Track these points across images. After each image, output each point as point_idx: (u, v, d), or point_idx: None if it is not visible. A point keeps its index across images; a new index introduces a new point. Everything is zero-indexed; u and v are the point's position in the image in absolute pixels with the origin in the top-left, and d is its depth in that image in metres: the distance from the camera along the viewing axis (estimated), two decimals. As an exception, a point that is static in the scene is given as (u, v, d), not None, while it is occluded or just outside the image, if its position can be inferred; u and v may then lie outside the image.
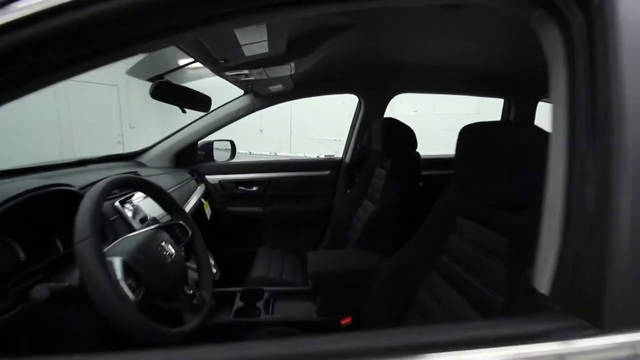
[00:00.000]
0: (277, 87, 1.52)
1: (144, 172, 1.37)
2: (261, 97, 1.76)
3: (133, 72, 1.03)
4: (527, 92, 2.05)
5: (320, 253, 1.33)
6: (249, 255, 1.75)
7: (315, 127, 7.23)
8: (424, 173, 1.50)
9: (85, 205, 0.59)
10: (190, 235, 0.89)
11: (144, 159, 1.80)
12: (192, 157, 1.95)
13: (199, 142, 1.99)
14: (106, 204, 0.96)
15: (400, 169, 1.44)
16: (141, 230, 0.77)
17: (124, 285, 0.58)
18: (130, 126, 6.62)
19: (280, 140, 7.69)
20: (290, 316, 1.15)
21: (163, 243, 0.75)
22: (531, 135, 0.66)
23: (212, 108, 1.55)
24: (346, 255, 1.31)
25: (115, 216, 0.96)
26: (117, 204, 0.99)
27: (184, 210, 0.92)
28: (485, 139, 0.75)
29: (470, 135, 0.81)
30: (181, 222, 0.89)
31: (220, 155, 2.14)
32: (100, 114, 5.92)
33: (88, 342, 0.64)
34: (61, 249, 0.84)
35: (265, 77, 1.15)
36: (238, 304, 1.21)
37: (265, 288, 1.32)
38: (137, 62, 0.95)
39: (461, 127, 0.82)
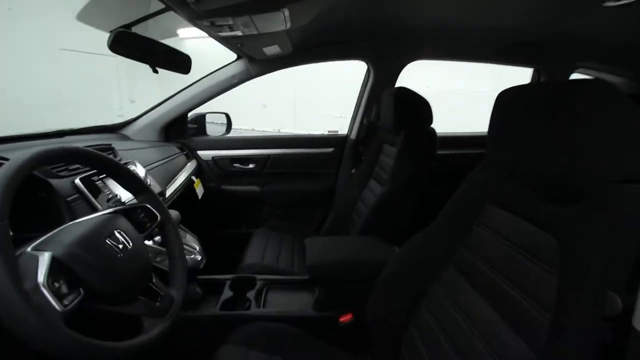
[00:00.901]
0: (273, 50, 1.32)
1: (121, 146, 1.21)
2: (257, 62, 1.55)
3: (92, 22, 0.84)
4: (561, 61, 1.80)
5: (321, 240, 1.18)
6: (244, 238, 1.61)
7: (322, 103, 6.94)
8: (439, 152, 1.32)
9: None
10: (159, 221, 0.74)
11: (128, 131, 1.64)
12: (182, 130, 1.78)
13: (190, 114, 1.82)
14: (63, 181, 0.81)
15: (413, 147, 1.26)
16: (91, 216, 0.62)
17: (45, 291, 0.43)
18: (131, 100, 6.41)
19: (285, 117, 7.43)
20: (283, 310, 1.02)
21: (116, 232, 0.60)
22: (607, 97, 0.48)
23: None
24: (350, 243, 1.16)
25: (75, 196, 0.81)
26: (77, 181, 0.83)
27: (151, 190, 0.76)
28: (534, 105, 0.57)
29: (512, 101, 0.63)
30: (147, 205, 0.74)
31: (214, 129, 1.97)
32: (98, 87, 5.71)
33: None
34: (11, 233, 0.70)
35: (255, 32, 0.96)
36: (227, 293, 1.09)
37: (258, 276, 1.18)
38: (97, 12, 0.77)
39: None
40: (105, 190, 0.90)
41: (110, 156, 1.08)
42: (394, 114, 1.28)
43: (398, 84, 1.70)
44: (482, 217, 0.70)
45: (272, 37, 1.13)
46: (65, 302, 0.45)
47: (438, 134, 1.30)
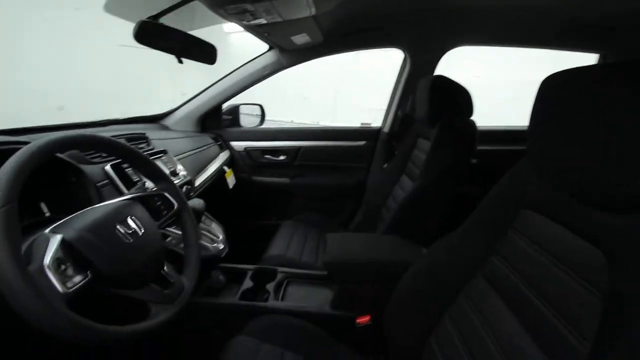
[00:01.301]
0: (302, 39, 1.28)
1: (155, 135, 1.27)
2: (288, 52, 1.53)
3: (120, 13, 0.87)
4: (634, 46, 1.54)
5: (342, 236, 1.14)
6: (272, 229, 1.62)
7: (364, 94, 6.78)
8: (479, 148, 1.20)
9: (4, 168, 0.46)
10: (176, 210, 0.75)
11: (168, 121, 1.72)
12: (217, 121, 1.83)
13: (225, 106, 1.86)
14: (95, 167, 0.86)
15: (447, 141, 1.15)
16: (108, 202, 0.64)
17: (49, 272, 0.45)
18: (182, 93, 6.80)
19: (325, 109, 7.40)
20: (300, 305, 1.00)
21: (129, 218, 0.61)
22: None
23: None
24: (373, 242, 1.10)
25: (105, 181, 0.86)
26: (107, 167, 0.88)
27: (169, 179, 0.77)
28: (590, 92, 0.47)
29: (561, 87, 0.53)
30: (165, 193, 0.75)
31: (248, 120, 2.00)
32: (154, 80, 6.11)
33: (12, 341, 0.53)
34: (47, 214, 0.76)
35: (279, 19, 0.93)
36: (247, 283, 1.09)
37: (280, 269, 1.18)
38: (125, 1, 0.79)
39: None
40: (134, 177, 0.94)
41: (143, 144, 1.14)
42: (428, 104, 1.18)
43: (440, 74, 1.57)
44: (517, 222, 0.61)
45: (300, 25, 1.09)
46: (69, 284, 0.47)
47: (480, 128, 1.18)
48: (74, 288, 0.47)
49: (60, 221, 0.55)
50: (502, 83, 5.37)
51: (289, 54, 1.54)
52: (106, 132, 1.08)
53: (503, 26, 1.42)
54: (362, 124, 1.87)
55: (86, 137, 0.59)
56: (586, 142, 0.46)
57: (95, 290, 0.53)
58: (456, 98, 1.18)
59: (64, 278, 0.46)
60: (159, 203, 0.73)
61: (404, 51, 1.59)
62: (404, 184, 1.44)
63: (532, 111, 0.56)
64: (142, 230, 0.62)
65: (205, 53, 1.02)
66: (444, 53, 1.54)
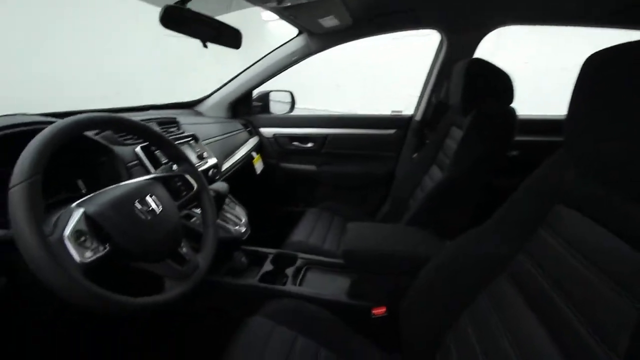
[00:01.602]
0: (330, 22, 1.25)
1: (186, 120, 1.31)
2: (316, 37, 1.50)
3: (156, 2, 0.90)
4: None
5: (363, 226, 1.12)
6: (296, 215, 1.63)
7: (400, 82, 6.53)
8: (520, 138, 1.09)
9: (31, 144, 0.49)
10: (195, 191, 0.78)
11: (202, 107, 1.78)
12: (247, 107, 1.86)
13: (256, 92, 1.88)
14: (126, 148, 0.91)
15: (481, 129, 1.07)
16: (131, 181, 0.67)
17: (68, 243, 0.48)
18: (220, 80, 7.03)
19: (359, 97, 7.25)
20: (316, 292, 0.99)
21: (148, 197, 0.64)
22: None
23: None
24: (394, 233, 1.06)
25: (135, 162, 0.91)
26: (137, 149, 0.92)
27: (189, 161, 0.80)
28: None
29: (606, 67, 0.45)
30: (186, 174, 0.78)
31: (278, 107, 2.01)
32: (195, 68, 6.36)
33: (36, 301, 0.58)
34: (83, 190, 0.82)
35: (303, 0, 0.90)
36: (267, 267, 1.11)
37: (300, 254, 1.18)
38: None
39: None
40: (163, 159, 0.99)
41: (174, 128, 1.19)
42: (463, 89, 1.10)
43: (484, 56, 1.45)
44: (549, 219, 0.55)
45: (327, 7, 1.06)
46: (87, 254, 0.50)
47: (521, 117, 1.08)
48: (91, 259, 0.50)
49: (87, 197, 0.59)
50: (557, 69, 4.86)
51: (318, 39, 1.51)
52: (141, 117, 1.14)
53: (552, 3, 1.26)
54: (392, 111, 1.80)
55: (106, 118, 0.62)
56: (636, 128, 0.39)
57: (113, 263, 0.56)
58: (494, 83, 1.08)
59: (82, 249, 0.50)
60: (179, 184, 0.76)
61: (440, 32, 1.48)
62: (433, 175, 1.37)
63: (572, 95, 0.49)
64: (160, 209, 0.64)
65: (231, 38, 1.02)
66: (485, 34, 1.42)
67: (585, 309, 0.42)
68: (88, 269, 0.49)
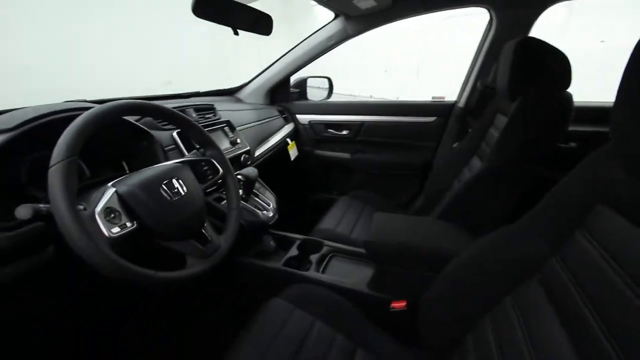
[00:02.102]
0: (367, 3, 1.19)
1: (223, 107, 1.37)
2: (353, 20, 1.45)
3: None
4: None
5: (390, 217, 1.08)
6: (328, 202, 1.64)
7: (452, 68, 6.10)
8: (582, 129, 0.96)
9: (68, 128, 0.55)
10: (220, 175, 0.81)
11: (242, 94, 1.83)
12: (285, 94, 1.88)
13: (294, 79, 1.89)
14: (164, 133, 0.98)
15: (528, 116, 0.96)
16: (161, 164, 0.73)
17: (98, 218, 0.53)
18: (261, 65, 7.17)
19: (407, 83, 6.93)
20: (337, 279, 1.00)
21: (174, 180, 0.68)
22: None
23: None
24: (422, 226, 1.01)
25: (172, 146, 0.97)
26: (174, 134, 0.99)
27: (216, 147, 0.83)
28: None
29: None
30: (212, 159, 0.81)
31: (316, 93, 2.01)
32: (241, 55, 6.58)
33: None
34: (127, 171, 0.90)
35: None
36: (293, 252, 1.14)
37: (326, 242, 1.19)
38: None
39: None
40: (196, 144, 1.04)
41: (210, 115, 1.25)
42: (510, 71, 0.99)
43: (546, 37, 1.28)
44: (588, 221, 0.48)
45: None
46: (115, 230, 0.55)
47: (578, 104, 0.95)
48: (119, 234, 0.55)
49: (121, 177, 0.64)
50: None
51: (355, 21, 1.46)
52: (182, 103, 1.21)
53: None
54: (433, 97, 1.69)
55: (135, 105, 0.67)
56: None
57: (140, 239, 0.61)
58: (548, 65, 0.95)
59: (111, 225, 0.55)
60: (205, 168, 0.80)
61: (489, 10, 1.34)
62: (473, 167, 1.28)
63: (621, 82, 0.42)
64: (185, 191, 0.69)
65: (262, 24, 1.03)
66: (540, 11, 1.25)
67: (620, 333, 0.37)
68: (116, 242, 0.54)
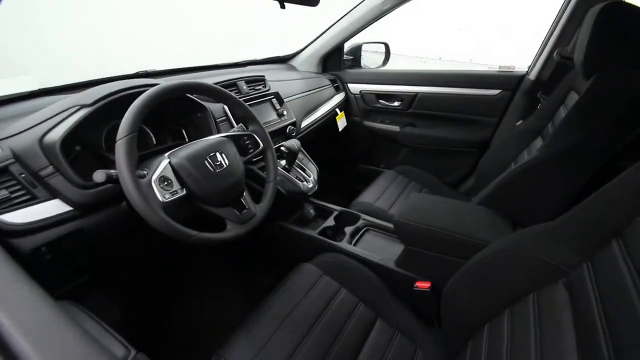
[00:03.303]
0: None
1: (273, 76, 1.41)
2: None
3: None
4: None
5: (426, 198, 1.06)
6: (373, 174, 1.64)
7: (539, 29, 5.19)
8: None
9: (131, 107, 0.65)
10: (260, 149, 0.88)
11: (295, 62, 1.85)
12: (337, 62, 1.85)
13: (347, 45, 1.84)
14: (217, 105, 1.07)
15: (604, 98, 0.83)
16: (208, 138, 0.81)
17: (154, 185, 0.64)
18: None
19: (484, 44, 6.13)
20: (366, 253, 1.04)
21: (217, 153, 0.77)
22: None
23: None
24: (457, 210, 0.97)
25: (223, 118, 1.06)
26: (225, 106, 1.07)
27: (258, 122, 0.89)
28: None
29: None
30: (254, 134, 0.88)
31: (371, 60, 1.93)
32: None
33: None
34: (186, 140, 1.03)
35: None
36: (330, 222, 1.21)
37: (363, 216, 1.23)
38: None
39: None
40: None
41: (260, 86, 1.31)
42: (588, 42, 0.85)
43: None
44: (627, 232, 0.44)
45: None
46: (167, 195, 0.66)
47: None
48: (170, 199, 0.66)
49: (175, 149, 0.75)
50: None
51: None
52: (234, 75, 1.28)
53: None
54: (500, 67, 1.50)
55: (190, 85, 0.75)
56: None
57: (188, 204, 0.72)
58: (635, 36, 0.79)
59: (164, 191, 0.66)
60: (247, 142, 0.87)
61: None
62: (533, 149, 1.15)
63: None
64: (227, 164, 0.77)
65: (308, -6, 1.00)
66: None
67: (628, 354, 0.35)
68: (168, 205, 0.65)
